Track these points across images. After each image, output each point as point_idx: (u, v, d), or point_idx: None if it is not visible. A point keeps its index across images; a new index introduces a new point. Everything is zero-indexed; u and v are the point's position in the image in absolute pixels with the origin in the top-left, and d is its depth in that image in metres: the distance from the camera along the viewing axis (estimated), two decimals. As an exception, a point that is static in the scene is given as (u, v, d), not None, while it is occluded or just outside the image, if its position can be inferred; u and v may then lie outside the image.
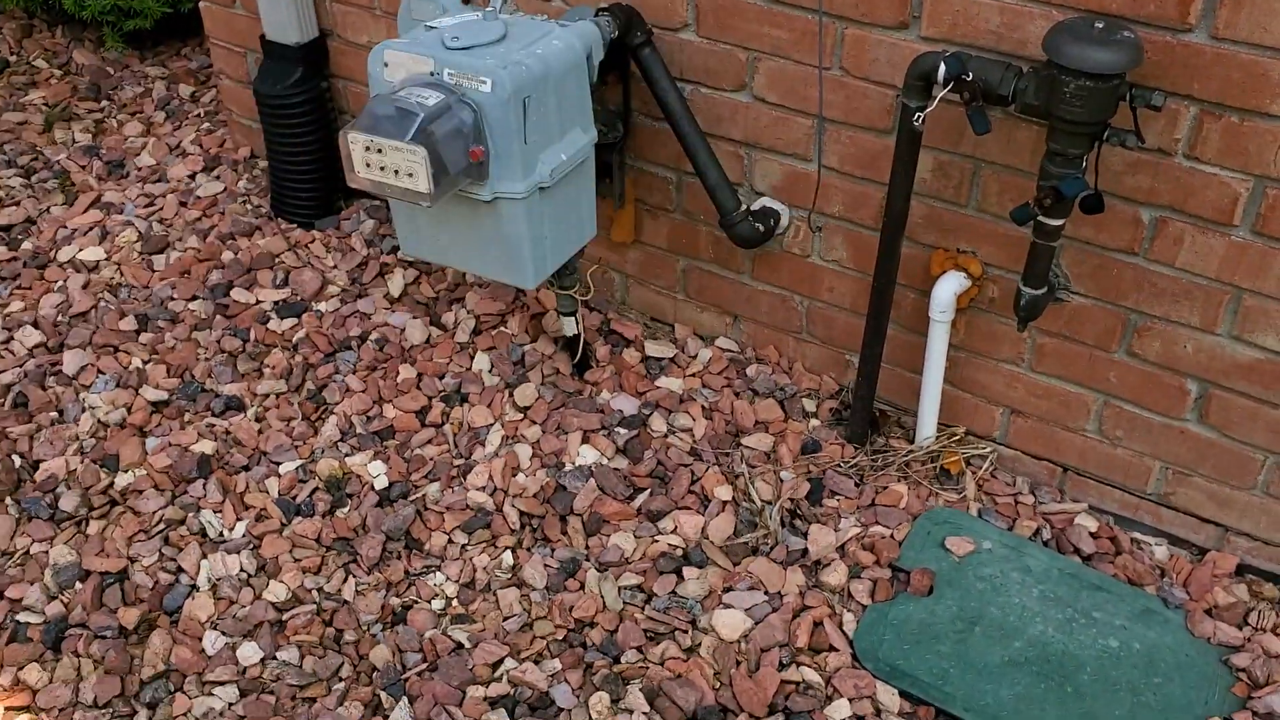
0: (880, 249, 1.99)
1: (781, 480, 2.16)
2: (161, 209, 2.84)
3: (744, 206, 2.15)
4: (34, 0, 3.33)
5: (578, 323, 2.34)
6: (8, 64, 3.42)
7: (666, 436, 2.26)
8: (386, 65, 1.84)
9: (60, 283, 2.63)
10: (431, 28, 1.90)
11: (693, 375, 2.39)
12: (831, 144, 2.07)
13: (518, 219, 1.86)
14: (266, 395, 2.36)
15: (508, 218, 1.86)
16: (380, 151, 1.73)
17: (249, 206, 2.84)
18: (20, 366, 2.42)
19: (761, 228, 2.15)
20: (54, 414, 2.33)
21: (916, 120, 1.79)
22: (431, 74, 1.79)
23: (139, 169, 3.00)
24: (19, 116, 3.20)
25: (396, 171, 1.74)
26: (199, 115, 3.21)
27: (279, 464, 2.22)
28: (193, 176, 2.96)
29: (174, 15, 3.38)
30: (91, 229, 2.78)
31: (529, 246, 1.90)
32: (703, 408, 2.31)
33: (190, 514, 2.13)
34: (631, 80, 2.20)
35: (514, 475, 2.20)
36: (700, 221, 2.33)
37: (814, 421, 2.29)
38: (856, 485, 2.15)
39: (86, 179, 2.96)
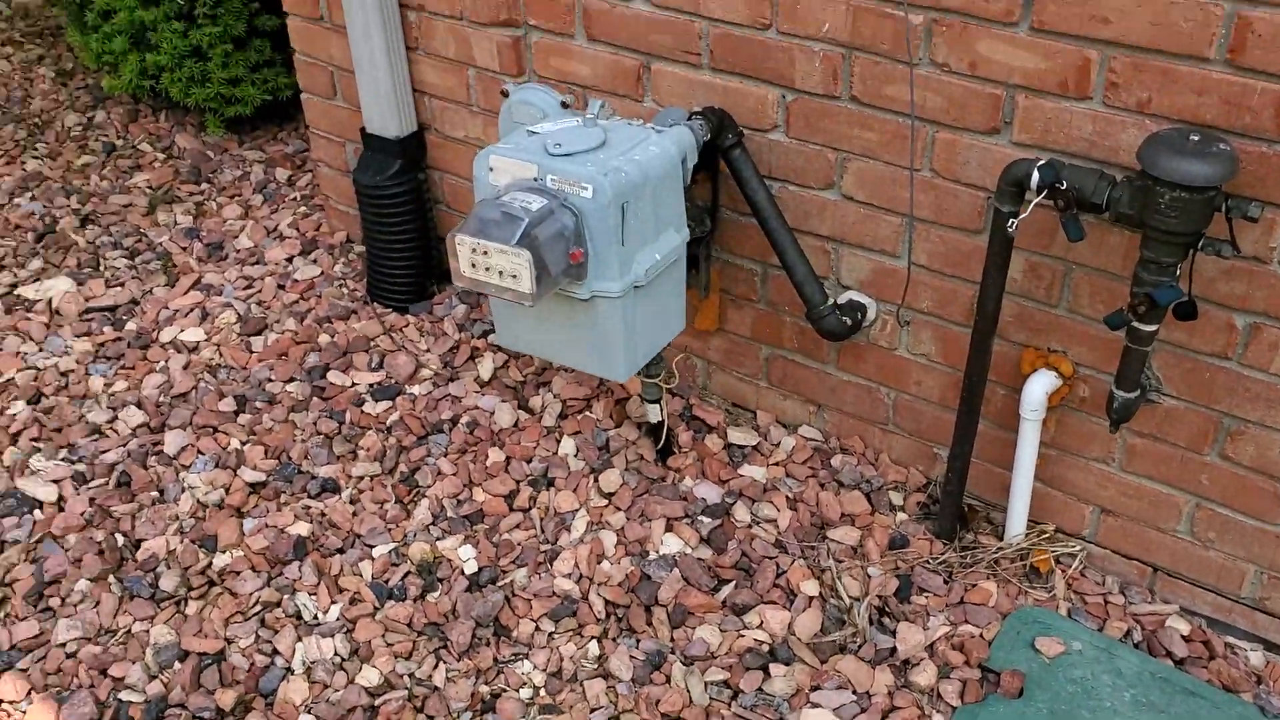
0: (971, 348, 2.01)
1: (869, 576, 2.16)
2: (260, 291, 2.94)
3: (831, 300, 2.18)
4: (141, 87, 3.48)
5: (662, 409, 2.37)
6: (115, 148, 3.58)
7: (750, 527, 2.28)
8: (492, 170, 1.91)
9: (162, 363, 2.73)
10: (534, 132, 1.96)
11: (776, 464, 2.41)
12: (921, 242, 2.10)
13: (613, 316, 1.90)
14: (361, 478, 2.42)
15: (603, 315, 1.91)
16: (486, 254, 1.80)
17: (345, 290, 2.93)
18: (124, 446, 2.51)
19: (849, 321, 2.17)
20: (155, 493, 2.41)
21: (1010, 226, 1.81)
22: (535, 179, 1.86)
23: (238, 251, 3.11)
24: (125, 199, 3.33)
25: (501, 273, 1.80)
26: (295, 199, 3.32)
27: (373, 547, 2.27)
28: (290, 260, 3.06)
29: (272, 102, 3.52)
30: (192, 310, 2.88)
31: (622, 342, 1.94)
32: (787, 498, 2.32)
33: (286, 596, 2.19)
34: (720, 178, 2.25)
35: (599, 563, 2.23)
36: (785, 312, 2.36)
37: (901, 515, 2.29)
38: (945, 582, 2.14)
39: (188, 260, 3.07)
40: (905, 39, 1.94)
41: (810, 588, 2.14)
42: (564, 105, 2.10)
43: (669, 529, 2.28)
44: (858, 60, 2.01)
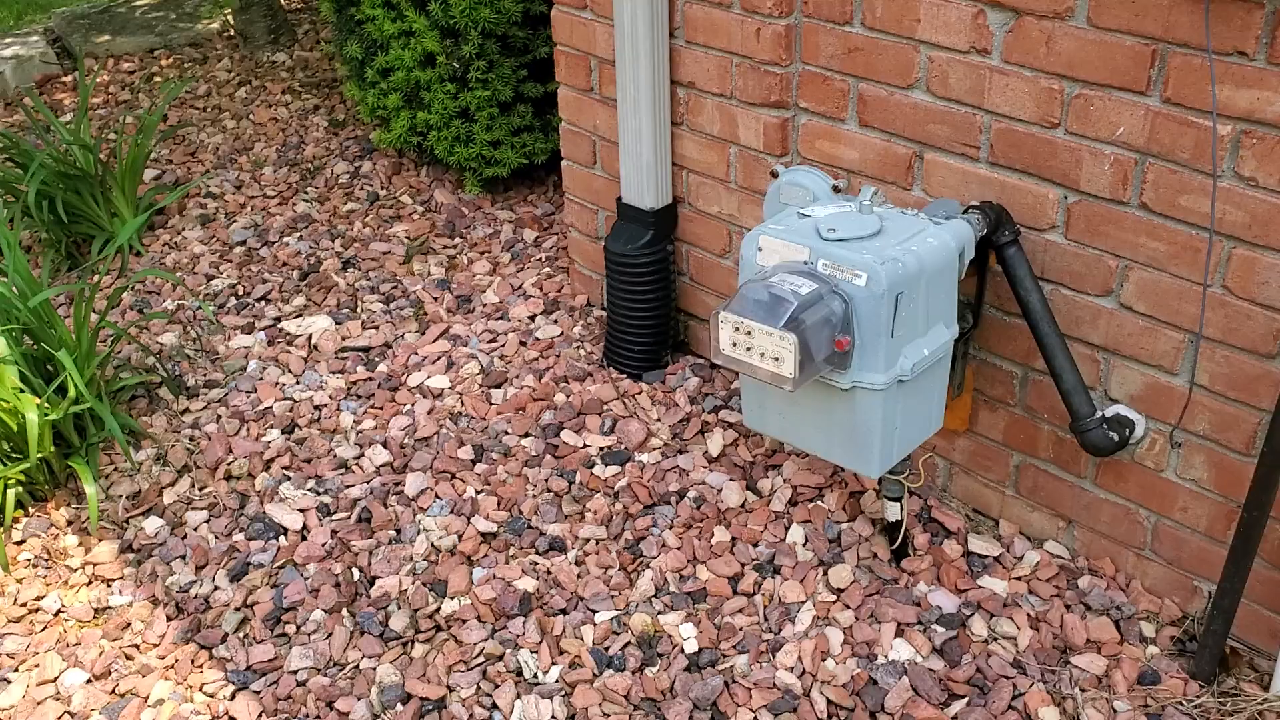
0: (1254, 481, 1.86)
1: (1115, 710, 2.01)
2: (503, 346, 3.02)
3: (1099, 412, 2.07)
4: (408, 142, 3.67)
5: (902, 508, 2.29)
6: (378, 197, 3.77)
7: (987, 642, 2.16)
8: (760, 250, 1.90)
9: (408, 406, 2.83)
10: (805, 215, 1.95)
11: (1018, 578, 2.29)
12: (1204, 361, 1.97)
13: (873, 410, 1.86)
14: (587, 540, 2.43)
15: (863, 407, 1.87)
16: (749, 334, 1.78)
17: (582, 352, 2.98)
18: (368, 483, 2.60)
19: (1115, 436, 2.05)
20: (393, 532, 2.48)
21: (1320, 355, 1.68)
22: (805, 263, 1.84)
23: (484, 305, 3.21)
24: (384, 247, 3.50)
25: (762, 354, 1.78)
26: (540, 260, 3.42)
27: (595, 612, 2.27)
28: (532, 318, 3.13)
29: (528, 165, 3.65)
30: (439, 358, 2.99)
31: (879, 437, 1.89)
32: (1029, 616, 2.20)
33: (509, 650, 2.20)
34: (988, 274, 2.18)
35: (824, 660, 2.15)
36: (1042, 419, 2.26)
37: (1152, 649, 2.13)
38: (1203, 730, 1.98)
39: (438, 310, 3.19)
40: (1209, 149, 1.84)
41: (1049, 715, 2.01)
42: (835, 189, 2.08)
43: (899, 634, 2.19)
44: (1152, 167, 1.92)
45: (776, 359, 1.77)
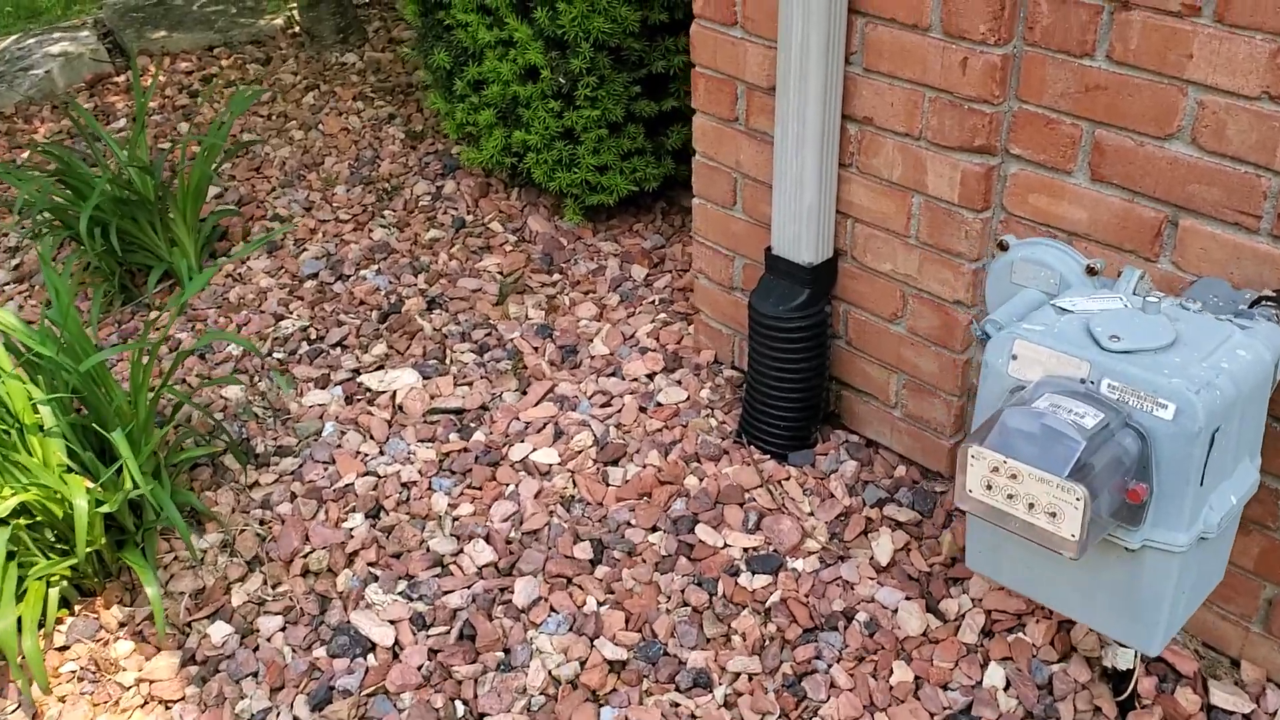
0: None
1: None
2: (619, 412, 2.60)
3: None
4: (500, 163, 3.26)
5: (1136, 655, 1.85)
6: (464, 223, 3.37)
7: (1259, 839, 1.72)
8: (1016, 358, 1.46)
9: (512, 486, 2.42)
10: (1064, 310, 1.51)
11: (1283, 748, 1.85)
12: None
13: (1166, 575, 1.42)
14: (738, 675, 2.01)
15: (1152, 572, 1.43)
16: (1015, 478, 1.35)
17: (714, 423, 2.56)
18: (469, 588, 2.20)
19: None
20: (501, 653, 2.08)
21: None
22: (1084, 381, 1.40)
23: (592, 358, 2.79)
24: (474, 284, 3.09)
25: (1031, 505, 1.35)
26: (654, 303, 2.99)
27: (757, 777, 1.85)
28: (651, 376, 2.71)
29: (637, 193, 3.22)
30: (545, 425, 2.57)
31: (1166, 607, 1.45)
32: (1307, 804, 1.76)
33: (653, 826, 1.79)
34: (1269, 377, 1.73)
35: None
36: (1317, 553, 1.81)
37: None
38: None
39: (539, 364, 2.78)
40: None
41: None
42: (1090, 271, 1.64)
43: (1143, 821, 1.75)
44: None
45: (1053, 514, 1.33)
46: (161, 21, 4.90)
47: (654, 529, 2.31)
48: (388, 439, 2.58)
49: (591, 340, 2.87)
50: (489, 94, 3.15)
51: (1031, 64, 1.91)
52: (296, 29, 4.83)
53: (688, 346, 2.81)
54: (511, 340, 2.88)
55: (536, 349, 2.85)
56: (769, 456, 2.45)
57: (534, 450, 2.51)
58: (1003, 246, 1.75)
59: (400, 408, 2.67)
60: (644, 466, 2.45)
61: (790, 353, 2.33)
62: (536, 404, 2.66)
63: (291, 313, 3.04)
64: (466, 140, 3.52)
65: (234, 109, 3.25)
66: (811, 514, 2.31)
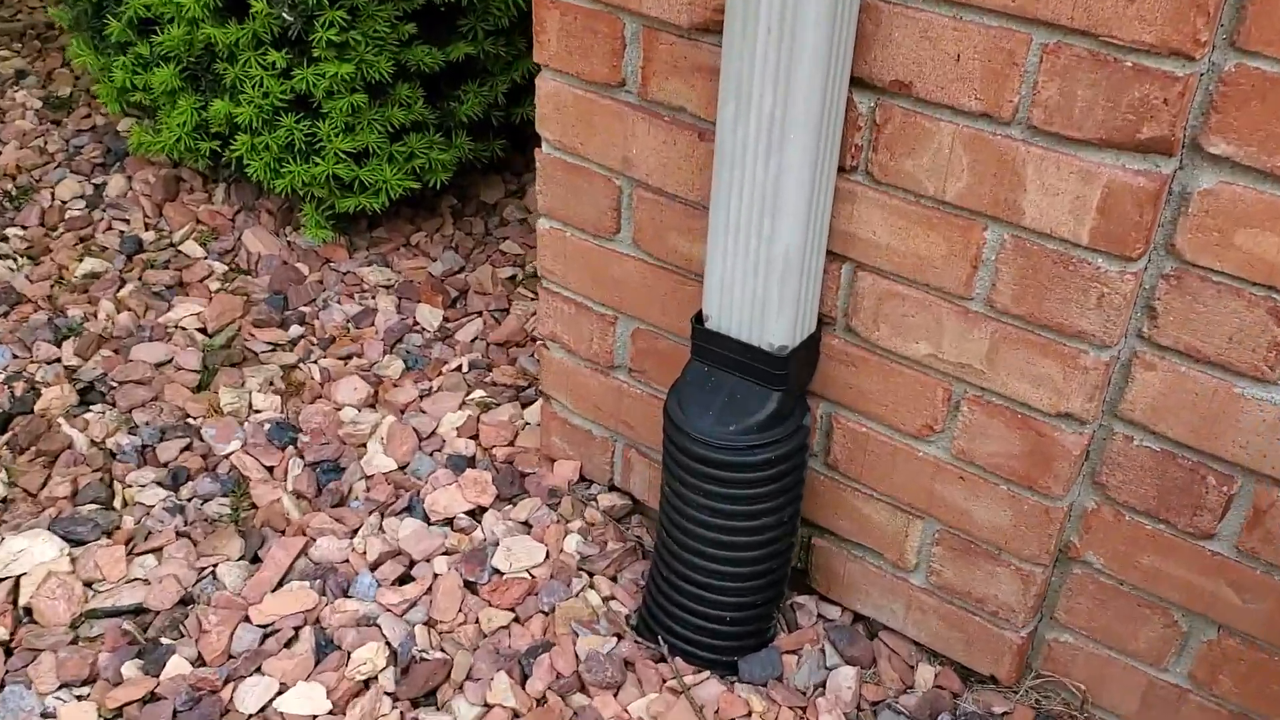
0: None
1: None
2: (428, 594, 1.51)
3: None
4: (193, 150, 2.05)
5: None
6: (141, 246, 2.14)
7: None
8: None
9: (245, 781, 1.29)
10: None
11: None
12: None
13: None
14: None
15: None
16: None
17: (596, 605, 1.50)
18: None
19: None
20: None
21: None
22: None
23: (369, 481, 1.68)
24: (159, 353, 1.89)
25: None
26: (462, 370, 1.89)
27: None
28: (476, 515, 1.63)
29: (418, 190, 2.09)
30: (297, 633, 1.45)
31: None
32: None
33: None
34: None
35: None
36: None
37: None
38: None
39: (279, 501, 1.64)
40: None
41: None
42: None
43: None
44: None
45: None
46: None
47: None
48: (1, 684, 1.39)
49: (363, 445, 1.75)
50: (167, 41, 1.93)
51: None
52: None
53: (528, 450, 1.74)
54: (228, 457, 1.72)
55: (272, 470, 1.70)
56: (703, 669, 1.42)
57: (279, 693, 1.39)
58: None
59: (27, 611, 1.48)
60: (485, 710, 1.38)
61: (747, 503, 1.31)
62: (278, 586, 1.52)
63: None
64: (139, 114, 2.28)
65: None
66: (799, 785, 1.31)
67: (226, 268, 2.12)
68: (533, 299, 2.07)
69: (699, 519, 1.33)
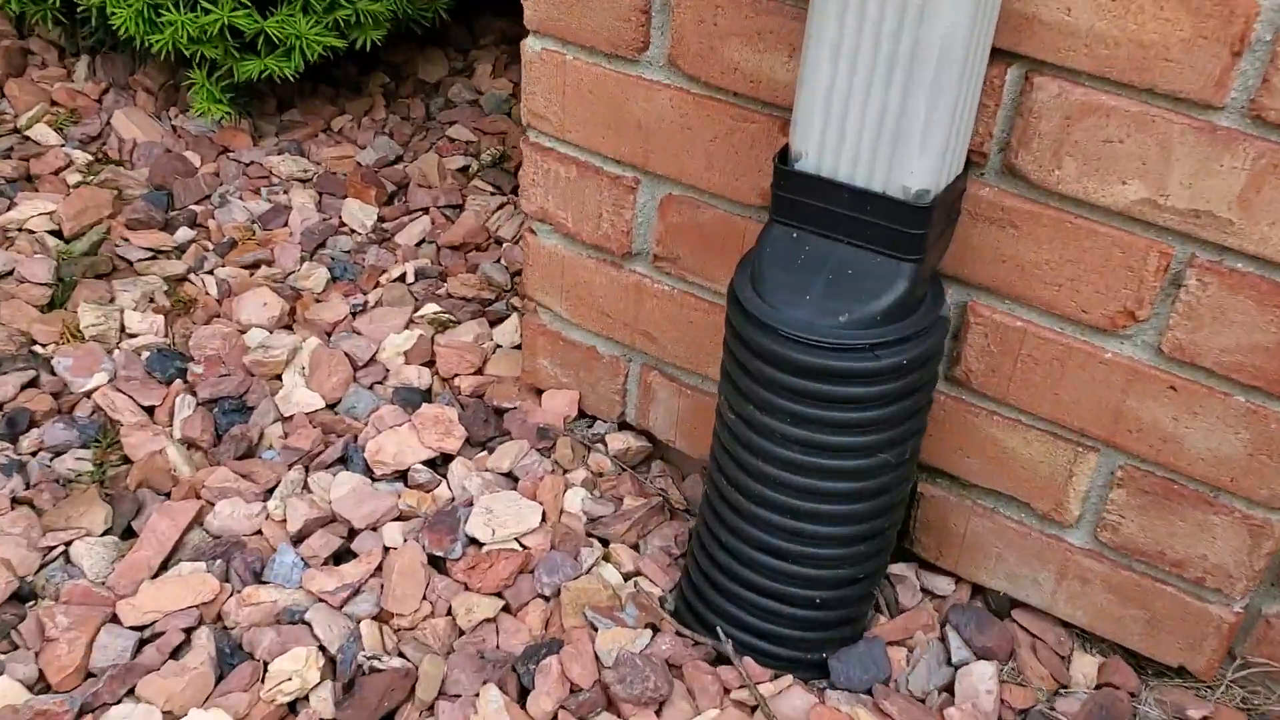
0: None
1: None
2: (376, 573, 1.07)
3: None
4: (38, 5, 1.56)
5: None
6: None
7: None
8: None
9: None
10: None
11: None
12: None
13: None
14: None
15: None
16: None
17: (616, 585, 1.07)
18: None
19: None
20: None
21: None
22: None
23: (287, 424, 1.22)
24: (2, 261, 1.40)
25: None
26: (407, 281, 1.44)
27: None
28: (438, 465, 1.18)
29: (340, 52, 1.62)
30: (192, 632, 1.00)
31: None
32: None
33: None
34: None
35: None
36: None
37: None
38: None
39: (162, 453, 1.17)
40: None
41: None
42: None
43: None
44: None
45: None
46: None
47: None
48: None
49: (278, 377, 1.29)
50: None
51: None
52: None
53: (503, 380, 1.30)
54: (89, 396, 1.25)
55: (152, 412, 1.24)
56: (782, 671, 1.00)
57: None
58: None
59: None
60: (468, 744, 0.95)
61: (859, 431, 0.89)
62: (161, 570, 1.07)
63: None
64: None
65: None
66: (936, 839, 0.90)
67: (91, 158, 1.63)
68: (494, 193, 1.62)
69: (783, 457, 0.90)
